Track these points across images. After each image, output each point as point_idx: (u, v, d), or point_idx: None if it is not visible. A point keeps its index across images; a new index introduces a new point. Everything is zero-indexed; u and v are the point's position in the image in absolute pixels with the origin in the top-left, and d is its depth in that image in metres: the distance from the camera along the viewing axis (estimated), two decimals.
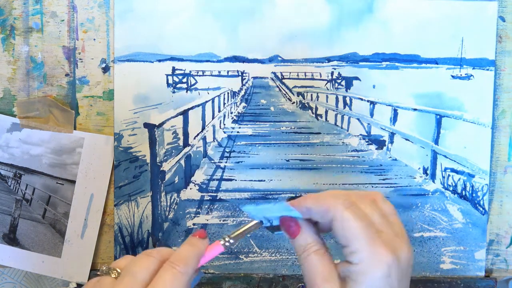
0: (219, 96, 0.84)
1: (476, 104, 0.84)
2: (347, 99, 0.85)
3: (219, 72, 0.83)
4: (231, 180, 0.85)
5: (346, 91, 0.84)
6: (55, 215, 0.83)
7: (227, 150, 0.85)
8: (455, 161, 0.85)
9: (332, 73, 0.84)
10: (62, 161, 0.82)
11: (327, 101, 0.85)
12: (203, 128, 0.85)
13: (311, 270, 0.52)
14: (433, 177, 0.85)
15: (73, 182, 0.83)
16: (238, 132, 0.85)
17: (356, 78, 0.84)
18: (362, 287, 0.49)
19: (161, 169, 0.83)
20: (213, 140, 0.86)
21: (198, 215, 0.84)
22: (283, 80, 0.84)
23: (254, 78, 0.84)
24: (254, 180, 0.84)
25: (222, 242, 0.54)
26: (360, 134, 0.85)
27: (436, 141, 0.85)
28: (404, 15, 0.83)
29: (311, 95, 0.85)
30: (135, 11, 0.81)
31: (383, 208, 0.53)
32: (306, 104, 0.86)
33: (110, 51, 0.82)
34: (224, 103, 0.85)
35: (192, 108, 0.83)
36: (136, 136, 0.82)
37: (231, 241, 0.54)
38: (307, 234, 0.53)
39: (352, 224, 0.50)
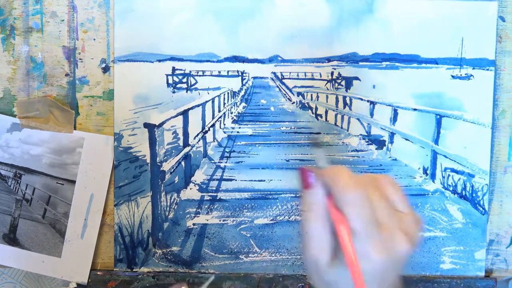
0: (219, 96, 0.84)
1: (476, 104, 0.84)
2: (347, 99, 0.85)
3: (219, 72, 0.83)
4: (231, 180, 0.84)
5: (346, 91, 0.84)
6: (55, 215, 0.83)
7: (227, 150, 0.85)
8: (455, 161, 0.85)
9: (332, 73, 0.84)
10: (62, 161, 0.82)
11: (327, 101, 0.85)
12: (203, 128, 0.84)
13: (306, 230, 0.51)
14: (433, 177, 0.85)
15: (73, 182, 0.83)
16: (238, 132, 0.85)
17: (356, 78, 0.84)
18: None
19: (161, 169, 0.83)
20: (213, 140, 0.86)
21: (198, 215, 0.84)
22: (283, 80, 0.84)
23: (254, 78, 0.84)
24: (254, 180, 0.84)
25: None
26: (360, 134, 0.85)
27: (436, 141, 0.85)
28: (404, 15, 0.83)
29: (311, 95, 0.85)
30: (135, 11, 0.81)
31: (389, 197, 0.51)
32: (306, 104, 0.86)
33: (110, 51, 0.82)
34: (224, 103, 0.85)
35: (192, 108, 0.83)
36: (136, 136, 0.82)
37: None
38: (316, 195, 0.51)
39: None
